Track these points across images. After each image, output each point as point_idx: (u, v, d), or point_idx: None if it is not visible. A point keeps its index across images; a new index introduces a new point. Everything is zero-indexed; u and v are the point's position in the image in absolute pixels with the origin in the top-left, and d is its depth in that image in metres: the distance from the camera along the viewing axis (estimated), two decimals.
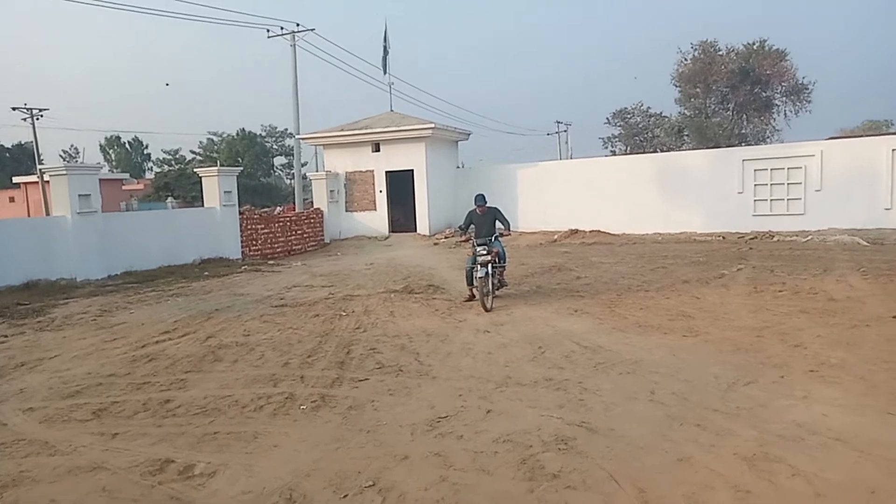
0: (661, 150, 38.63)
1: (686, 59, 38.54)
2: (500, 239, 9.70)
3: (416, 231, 22.49)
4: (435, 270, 13.74)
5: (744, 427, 4.47)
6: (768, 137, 38.40)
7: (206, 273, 14.63)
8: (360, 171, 23.13)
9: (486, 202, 9.76)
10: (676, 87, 39.91)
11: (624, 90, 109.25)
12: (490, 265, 9.12)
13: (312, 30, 28.40)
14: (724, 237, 18.51)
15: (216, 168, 18.31)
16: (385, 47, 28.26)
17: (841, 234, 17.04)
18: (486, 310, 8.95)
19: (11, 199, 48.02)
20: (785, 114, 37.83)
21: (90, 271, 13.53)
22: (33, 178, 41.99)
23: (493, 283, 9.22)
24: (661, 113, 44.61)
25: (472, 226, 9.84)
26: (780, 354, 6.24)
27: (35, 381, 6.34)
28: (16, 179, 46.02)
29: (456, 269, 13.92)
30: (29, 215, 39.82)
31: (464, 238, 10.20)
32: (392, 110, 25.91)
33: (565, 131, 57.15)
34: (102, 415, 5.29)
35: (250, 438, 4.66)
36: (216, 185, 17.53)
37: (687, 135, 41.64)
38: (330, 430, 4.76)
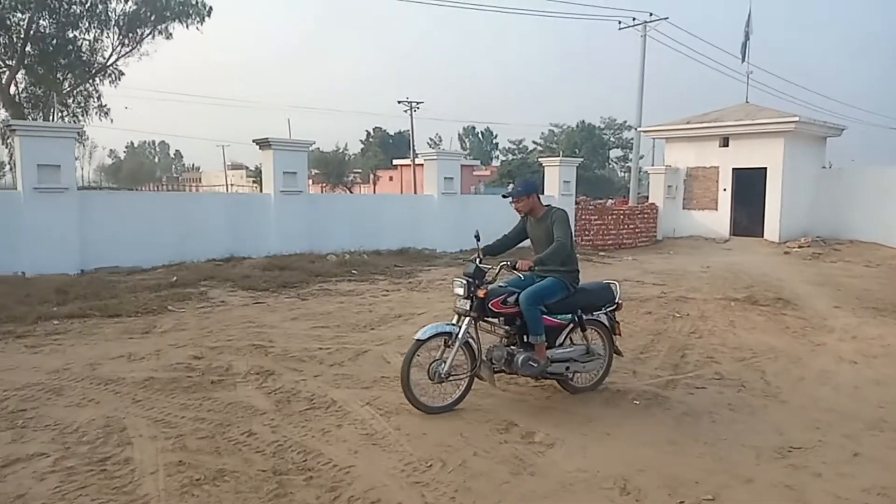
0: None
1: None
2: (551, 274, 5.14)
3: (762, 236, 20.24)
4: (785, 283, 12.21)
5: None
6: None
7: None
8: (703, 168, 21.77)
9: (535, 191, 5.44)
10: None
11: None
12: (479, 321, 4.94)
13: (666, 18, 27.44)
14: None
15: (558, 158, 19.22)
16: (747, 32, 25.81)
17: None
18: (427, 411, 4.79)
19: (390, 178, 58.28)
20: None
21: (446, 244, 15.55)
22: (406, 161, 50.10)
23: (480, 360, 4.88)
24: None
25: (528, 239, 5.73)
26: None
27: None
28: (395, 162, 55.66)
29: (812, 283, 12.19)
30: (401, 192, 47.71)
31: (475, 257, 5.40)
32: (747, 101, 23.64)
33: None
34: None
35: (584, 421, 4.86)
36: (556, 175, 18.42)
37: None
38: (663, 432, 4.67)
